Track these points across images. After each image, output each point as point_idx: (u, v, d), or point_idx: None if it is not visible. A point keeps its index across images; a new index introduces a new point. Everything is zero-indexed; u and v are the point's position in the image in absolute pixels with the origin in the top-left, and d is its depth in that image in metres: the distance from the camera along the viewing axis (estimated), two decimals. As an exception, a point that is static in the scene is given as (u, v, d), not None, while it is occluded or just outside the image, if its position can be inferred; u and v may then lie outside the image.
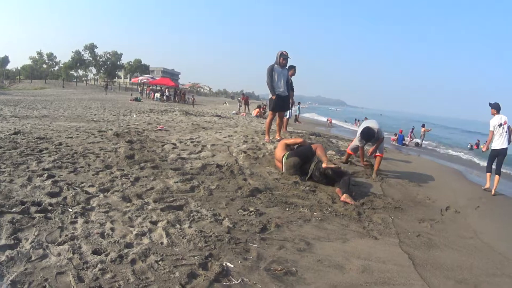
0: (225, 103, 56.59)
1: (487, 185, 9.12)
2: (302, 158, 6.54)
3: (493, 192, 8.73)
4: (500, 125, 9.17)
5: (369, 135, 8.00)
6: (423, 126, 27.86)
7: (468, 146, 30.14)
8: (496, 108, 9.43)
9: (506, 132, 9.14)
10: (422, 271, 3.72)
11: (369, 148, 8.56)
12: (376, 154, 8.23)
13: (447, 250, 4.42)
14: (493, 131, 9.23)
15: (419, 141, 26.91)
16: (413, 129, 29.02)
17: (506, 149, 9.28)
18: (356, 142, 8.54)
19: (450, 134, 47.49)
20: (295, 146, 7.07)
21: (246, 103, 33.31)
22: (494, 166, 9.27)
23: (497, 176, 8.96)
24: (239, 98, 37.83)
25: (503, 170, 9.61)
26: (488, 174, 9.29)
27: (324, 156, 6.37)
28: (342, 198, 5.79)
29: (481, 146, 10.97)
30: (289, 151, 6.77)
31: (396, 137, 25.12)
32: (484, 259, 4.31)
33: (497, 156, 9.27)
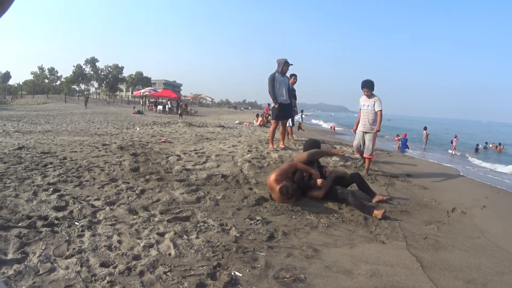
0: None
1: None
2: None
3: None
4: None
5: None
6: (425, 129, 27.78)
7: (481, 146, 30.22)
8: None
9: None
10: (431, 273, 3.69)
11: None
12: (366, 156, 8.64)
13: (455, 251, 4.38)
14: None
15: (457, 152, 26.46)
16: (456, 137, 28.83)
17: None
18: (356, 139, 8.81)
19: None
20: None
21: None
22: None
23: None
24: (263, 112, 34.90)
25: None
26: None
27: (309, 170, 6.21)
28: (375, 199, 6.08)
29: None
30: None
31: (399, 138, 24.62)
32: (492, 258, 4.27)
33: None
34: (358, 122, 8.81)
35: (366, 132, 8.55)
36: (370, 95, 8.48)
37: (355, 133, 8.89)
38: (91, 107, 49.60)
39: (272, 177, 5.75)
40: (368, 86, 8.46)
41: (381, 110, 8.35)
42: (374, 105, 8.39)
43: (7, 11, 0.80)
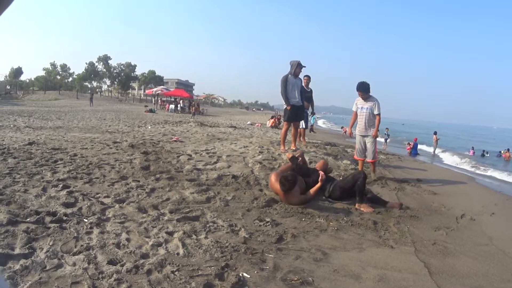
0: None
1: None
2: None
3: None
4: None
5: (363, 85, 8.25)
6: (435, 134, 27.50)
7: (493, 154, 30.05)
8: None
9: None
10: (438, 279, 3.67)
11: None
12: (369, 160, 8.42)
13: (463, 258, 4.34)
14: None
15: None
16: (473, 148, 28.90)
17: None
18: (357, 143, 8.58)
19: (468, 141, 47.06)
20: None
21: None
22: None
23: None
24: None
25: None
26: None
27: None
28: (356, 206, 5.83)
29: None
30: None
31: (411, 146, 24.48)
32: (499, 266, 4.22)
33: None
34: (352, 125, 8.74)
35: (365, 136, 8.37)
36: (366, 98, 8.27)
37: (351, 136, 8.85)
38: (102, 104, 49.67)
39: (273, 178, 5.77)
40: (362, 90, 8.24)
41: (379, 114, 8.24)
42: (373, 108, 8.20)
43: (7, 8, 0.78)
